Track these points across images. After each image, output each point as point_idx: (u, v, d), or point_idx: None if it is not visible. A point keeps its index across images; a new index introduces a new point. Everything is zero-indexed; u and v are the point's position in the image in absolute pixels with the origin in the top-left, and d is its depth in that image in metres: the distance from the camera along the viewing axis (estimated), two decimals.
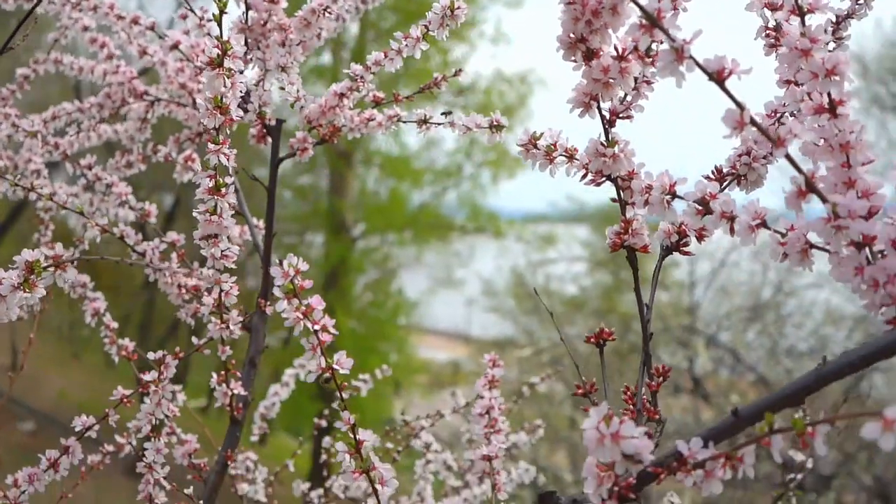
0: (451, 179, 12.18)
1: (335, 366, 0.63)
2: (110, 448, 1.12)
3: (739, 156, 0.68)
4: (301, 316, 0.62)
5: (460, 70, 1.02)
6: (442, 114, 0.98)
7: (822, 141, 0.55)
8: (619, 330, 7.63)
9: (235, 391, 0.97)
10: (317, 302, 0.63)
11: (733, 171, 0.68)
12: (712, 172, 0.69)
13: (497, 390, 0.95)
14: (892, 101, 9.22)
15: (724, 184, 0.68)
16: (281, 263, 0.62)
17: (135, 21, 1.11)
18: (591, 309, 9.18)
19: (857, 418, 0.44)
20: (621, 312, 8.56)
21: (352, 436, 0.65)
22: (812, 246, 0.55)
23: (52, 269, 0.67)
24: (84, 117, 1.19)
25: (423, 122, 0.96)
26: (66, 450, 0.92)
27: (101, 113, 1.20)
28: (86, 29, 1.20)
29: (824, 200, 0.52)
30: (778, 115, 0.69)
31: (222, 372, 0.97)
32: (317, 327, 0.62)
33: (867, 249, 0.51)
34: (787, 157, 0.52)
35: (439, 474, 1.32)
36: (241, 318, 0.92)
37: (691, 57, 0.51)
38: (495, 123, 0.84)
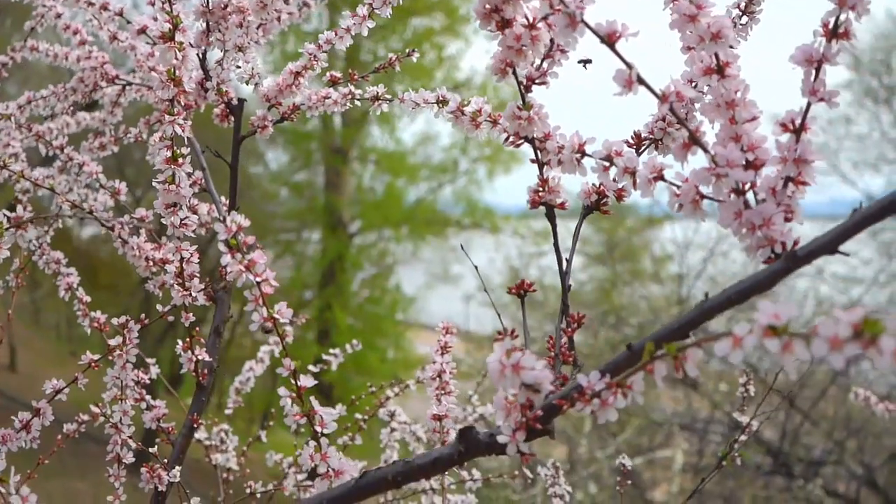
0: (447, 175, 12.22)
1: (276, 315, 0.68)
2: (85, 418, 1.17)
3: (656, 121, 0.73)
4: (244, 269, 0.67)
5: (414, 50, 1.06)
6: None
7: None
8: (613, 322, 7.66)
9: (200, 357, 1.02)
10: (259, 256, 0.68)
11: (650, 135, 0.73)
12: (631, 137, 0.74)
13: (449, 356, 1.01)
14: (884, 94, 9.26)
15: (642, 147, 0.73)
16: (224, 221, 0.66)
17: (104, 7, 1.15)
18: (586, 302, 9.23)
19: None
20: (616, 305, 8.61)
21: (293, 381, 0.70)
22: (703, 196, 0.60)
23: (12, 229, 0.72)
24: (58, 101, 1.24)
25: (376, 98, 1.01)
26: (38, 412, 0.97)
27: (73, 97, 1.24)
28: (59, 16, 1.25)
29: (706, 152, 0.56)
30: (693, 83, 0.74)
31: (187, 339, 1.02)
32: (259, 279, 0.67)
33: (745, 196, 0.56)
34: (671, 110, 0.56)
35: (408, 444, 1.37)
36: (202, 286, 0.97)
37: (583, 21, 0.55)
38: (441, 99, 0.89)
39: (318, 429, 0.70)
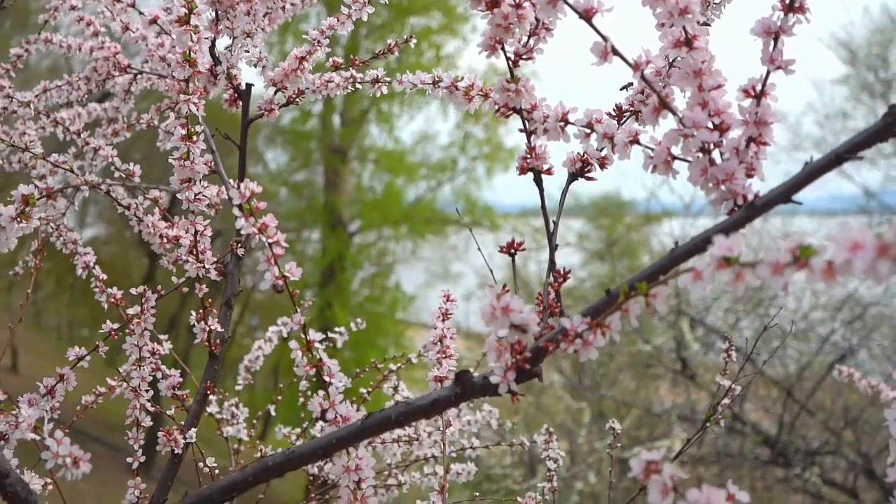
0: (446, 174, 12.28)
1: (287, 273, 0.75)
2: (102, 389, 1.23)
3: (635, 94, 0.79)
4: (257, 231, 0.73)
5: (411, 37, 1.13)
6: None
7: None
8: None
9: (213, 328, 1.08)
10: (270, 220, 0.74)
11: (631, 107, 0.79)
12: (613, 109, 0.80)
13: (449, 321, 1.07)
14: (881, 88, 9.31)
15: (624, 118, 0.79)
16: (239, 187, 0.73)
17: None
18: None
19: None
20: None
21: (303, 336, 0.76)
22: (674, 157, 0.66)
23: (44, 199, 0.78)
24: (73, 90, 1.30)
25: (376, 81, 1.07)
26: (62, 377, 1.03)
27: (87, 85, 1.30)
28: (73, 8, 1.31)
29: (675, 115, 0.63)
30: (670, 59, 0.80)
31: (200, 310, 1.08)
32: (271, 240, 0.74)
33: (711, 155, 0.62)
34: (643, 78, 0.63)
35: None
36: (215, 259, 1.03)
37: (565, 0, 0.62)
38: (437, 79, 0.95)
39: (327, 379, 0.77)
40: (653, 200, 9.00)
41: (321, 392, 0.77)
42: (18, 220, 0.79)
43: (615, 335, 0.61)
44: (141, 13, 1.21)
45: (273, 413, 1.56)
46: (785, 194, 0.58)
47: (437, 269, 12.86)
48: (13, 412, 0.75)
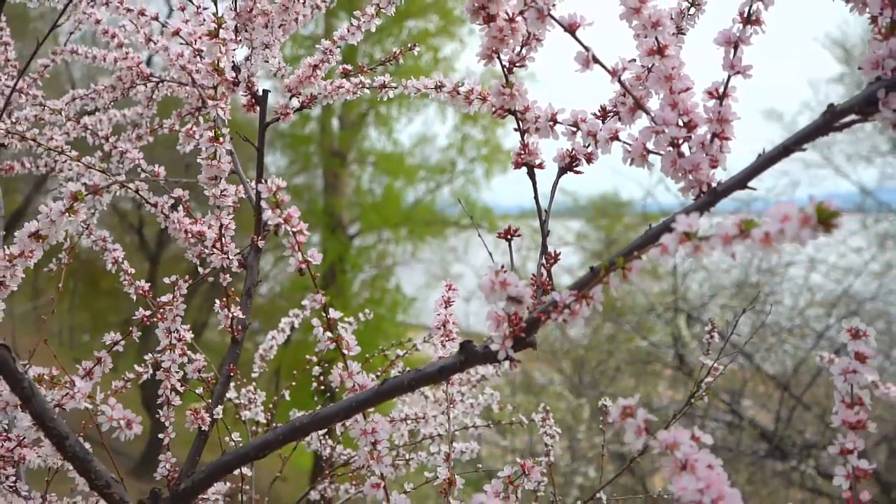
0: (445, 175, 12.38)
1: (309, 258, 0.84)
2: (131, 375, 1.33)
3: (617, 97, 0.88)
4: (283, 221, 0.83)
5: (414, 45, 1.22)
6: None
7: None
8: (611, 318, 7.76)
9: (236, 315, 1.18)
10: (294, 211, 0.84)
11: (614, 108, 0.89)
12: (598, 110, 0.90)
13: (452, 308, 1.17)
14: None
15: (607, 118, 0.89)
16: (266, 182, 0.82)
17: (141, 13, 1.31)
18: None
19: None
20: (615, 304, 8.75)
21: (324, 314, 0.86)
22: (648, 151, 0.76)
23: (90, 195, 0.87)
24: (99, 98, 1.39)
25: (383, 86, 1.16)
26: (99, 360, 1.12)
27: (113, 94, 1.40)
28: (98, 22, 1.41)
29: (648, 114, 0.72)
30: (646, 66, 0.89)
31: (224, 298, 1.17)
32: (295, 229, 0.83)
33: (680, 148, 0.72)
34: (620, 83, 0.72)
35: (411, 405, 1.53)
36: (238, 251, 1.13)
37: (550, 15, 0.71)
38: (439, 84, 1.04)
39: (346, 352, 0.86)
40: (649, 200, 9.09)
41: (340, 364, 0.86)
42: (68, 214, 0.88)
43: (598, 305, 0.71)
44: (164, 25, 1.30)
45: (287, 398, 1.66)
46: (741, 182, 0.68)
47: (436, 271, 12.94)
48: (67, 384, 0.84)
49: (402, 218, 12.15)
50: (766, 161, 0.67)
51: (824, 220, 0.48)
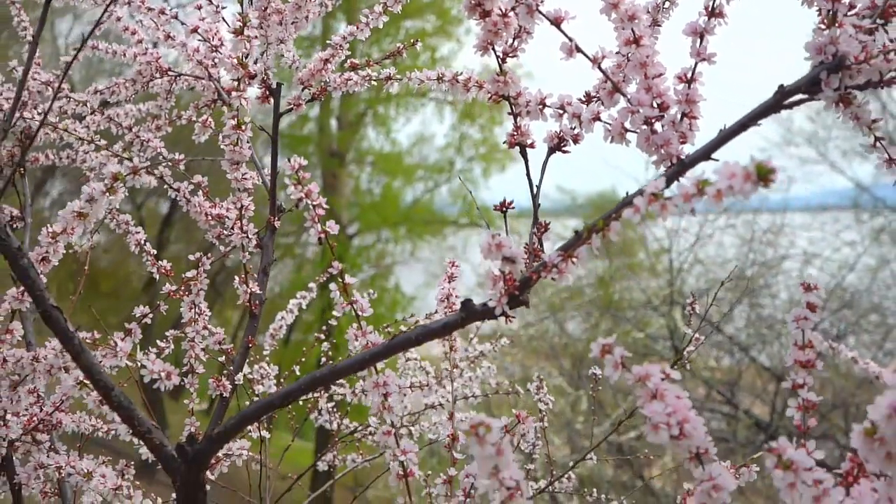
0: (443, 175, 12.48)
1: (327, 229, 0.94)
2: (154, 350, 1.42)
3: (600, 83, 0.98)
4: (304, 196, 0.93)
5: (416, 41, 1.32)
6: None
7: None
8: (612, 319, 7.84)
9: (253, 290, 1.28)
10: (314, 187, 0.94)
11: (597, 93, 0.99)
12: (584, 95, 1.00)
13: (455, 283, 1.27)
14: None
15: (592, 102, 0.99)
16: (289, 160, 0.93)
17: (161, 12, 1.41)
18: (585, 297, 9.45)
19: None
20: (611, 294, 8.86)
21: (341, 280, 0.96)
22: (626, 129, 0.86)
23: (130, 175, 0.97)
24: (120, 91, 1.49)
25: (388, 78, 1.27)
26: (129, 332, 1.22)
27: (134, 87, 1.50)
28: (119, 19, 1.51)
29: (625, 96, 0.82)
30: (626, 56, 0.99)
31: (243, 275, 1.28)
32: (315, 203, 0.93)
33: (653, 126, 0.82)
34: (600, 69, 0.82)
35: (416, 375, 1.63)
36: (256, 231, 1.23)
37: (538, 10, 0.81)
38: (440, 75, 1.14)
39: (360, 313, 0.96)
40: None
41: (354, 325, 0.96)
42: (108, 194, 0.98)
43: (582, 263, 0.81)
44: (183, 23, 1.40)
45: (298, 374, 1.75)
46: (705, 154, 0.78)
47: (436, 270, 13.02)
48: (110, 344, 0.94)
49: (400, 217, 12.25)
50: (726, 136, 0.77)
51: (763, 175, 0.59)
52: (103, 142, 1.30)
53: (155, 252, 1.41)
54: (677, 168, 0.79)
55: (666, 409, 0.68)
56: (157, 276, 1.39)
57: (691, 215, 0.67)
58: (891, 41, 0.76)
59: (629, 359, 0.72)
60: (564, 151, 0.98)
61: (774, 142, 9.35)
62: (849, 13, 0.77)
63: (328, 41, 1.25)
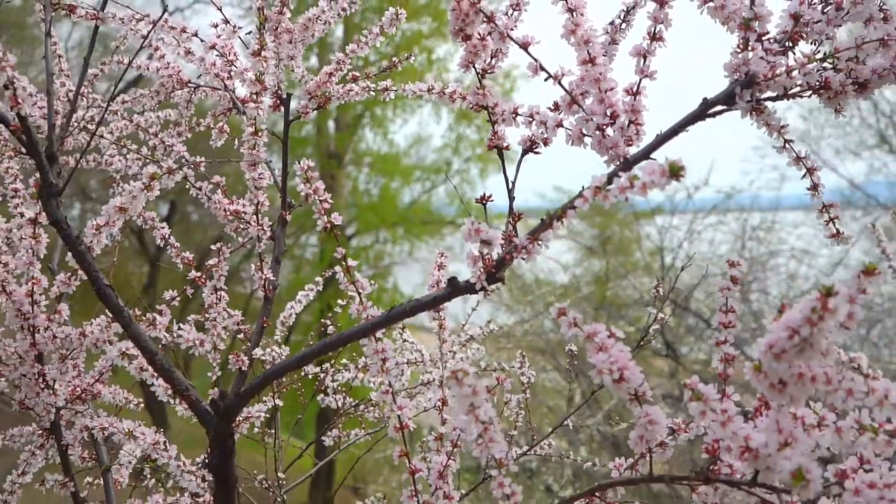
0: (441, 175, 12.64)
1: (333, 220, 1.11)
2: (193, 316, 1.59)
3: (563, 96, 1.16)
4: (312, 192, 1.10)
5: (410, 55, 1.50)
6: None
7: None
8: (607, 315, 8.00)
9: (268, 276, 1.45)
10: (321, 184, 1.11)
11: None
12: (553, 104, 1.17)
13: (445, 271, 1.44)
14: None
15: (557, 111, 1.16)
16: (299, 162, 1.10)
17: (183, 30, 1.58)
18: (584, 295, 9.61)
19: None
20: (607, 297, 9.03)
21: (344, 263, 1.13)
22: (584, 134, 1.03)
23: (165, 174, 1.14)
24: (147, 101, 1.67)
25: (386, 89, 1.44)
26: (160, 311, 1.39)
27: (157, 97, 1.67)
28: (144, 37, 1.68)
29: (581, 107, 1.00)
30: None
31: (258, 262, 1.45)
32: (321, 198, 1.11)
33: (605, 132, 1.00)
34: (560, 84, 1.00)
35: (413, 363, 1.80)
36: (271, 223, 1.40)
37: (509, 36, 0.99)
38: (430, 87, 1.31)
39: (361, 291, 1.13)
40: (640, 198, 9.36)
41: (357, 301, 1.14)
42: (146, 191, 1.15)
43: (547, 244, 0.98)
44: (202, 40, 1.58)
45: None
46: (644, 155, 0.95)
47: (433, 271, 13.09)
48: (149, 318, 1.11)
49: (398, 218, 12.41)
50: (661, 139, 0.95)
51: (674, 172, 0.76)
52: (134, 145, 1.47)
53: (178, 244, 1.58)
54: (623, 166, 0.96)
55: (610, 359, 0.86)
56: (182, 266, 1.56)
57: (625, 203, 0.84)
58: (805, 57, 0.94)
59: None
60: (536, 152, 1.15)
61: (768, 140, 9.52)
62: (764, 37, 0.94)
63: (330, 56, 1.42)
